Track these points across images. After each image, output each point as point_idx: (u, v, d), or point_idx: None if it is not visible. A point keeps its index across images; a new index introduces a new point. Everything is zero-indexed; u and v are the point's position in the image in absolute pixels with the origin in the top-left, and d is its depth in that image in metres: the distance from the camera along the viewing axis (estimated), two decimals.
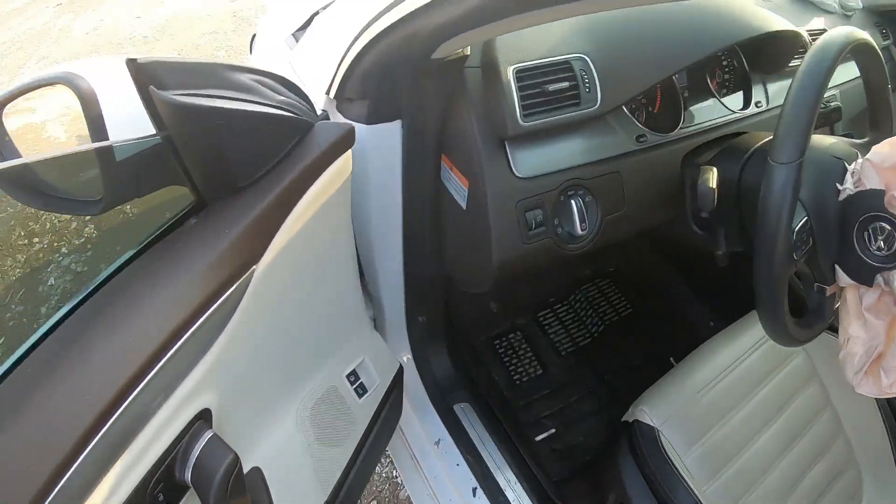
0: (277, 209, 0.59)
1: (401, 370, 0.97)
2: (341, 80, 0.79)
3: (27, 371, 0.47)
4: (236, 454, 0.53)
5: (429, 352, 1.13)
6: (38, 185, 0.82)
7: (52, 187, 0.83)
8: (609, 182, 0.84)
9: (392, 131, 0.82)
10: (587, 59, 0.79)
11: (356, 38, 0.73)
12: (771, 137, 0.86)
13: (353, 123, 0.71)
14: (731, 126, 0.96)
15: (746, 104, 0.99)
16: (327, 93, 0.84)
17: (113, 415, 0.45)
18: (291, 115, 0.63)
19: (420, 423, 1.09)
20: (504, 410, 1.26)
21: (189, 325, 0.52)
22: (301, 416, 0.76)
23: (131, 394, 0.47)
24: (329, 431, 0.80)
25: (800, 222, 0.66)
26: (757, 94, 1.01)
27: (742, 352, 1.02)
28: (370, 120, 0.80)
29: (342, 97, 0.82)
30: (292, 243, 0.63)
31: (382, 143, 0.82)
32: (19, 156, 0.83)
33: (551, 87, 0.75)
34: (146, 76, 0.53)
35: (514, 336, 1.41)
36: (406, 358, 1.12)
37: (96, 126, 0.65)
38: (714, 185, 0.77)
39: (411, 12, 0.60)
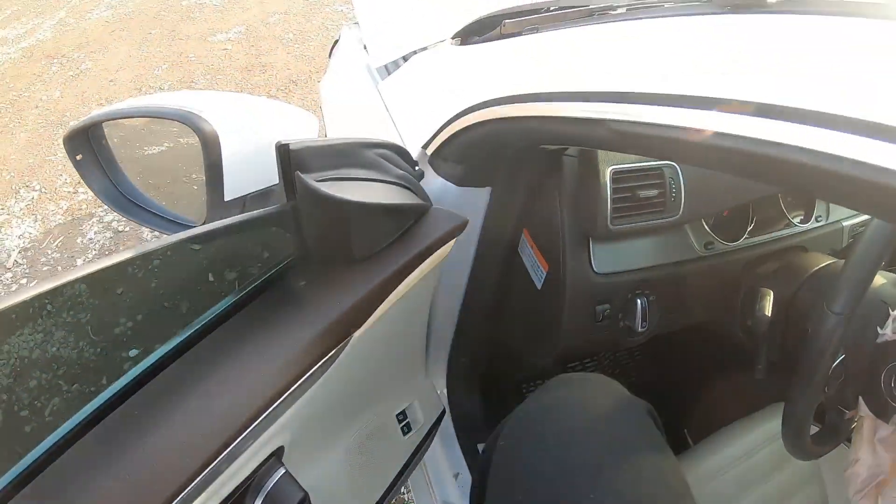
0: (387, 285, 0.63)
1: (443, 412, 1.01)
2: (443, 143, 0.82)
3: (134, 411, 0.49)
4: (306, 493, 0.57)
5: (463, 390, 1.18)
6: (140, 202, 0.87)
7: (154, 205, 0.87)
8: (673, 283, 0.89)
9: (479, 195, 0.85)
10: (678, 167, 0.82)
11: (470, 110, 0.74)
12: (827, 262, 0.90)
13: (463, 217, 0.73)
14: (791, 238, 1.00)
15: (807, 218, 1.03)
16: (424, 147, 0.88)
17: (211, 464, 0.48)
18: (410, 200, 0.67)
19: (442, 454, 1.14)
20: None
21: (294, 382, 0.55)
22: (350, 448, 0.80)
23: (232, 444, 0.49)
24: (373, 464, 0.84)
25: (838, 359, 0.71)
26: (819, 208, 1.04)
27: (754, 445, 1.05)
28: (462, 183, 0.83)
29: (439, 156, 0.85)
30: (389, 310, 0.67)
31: (467, 202, 0.85)
32: (114, 160, 0.86)
33: (642, 194, 0.78)
34: (295, 160, 0.57)
35: (541, 383, 1.44)
36: (440, 391, 1.17)
37: (214, 168, 0.69)
38: (769, 313, 0.82)
39: (549, 117, 0.61)
